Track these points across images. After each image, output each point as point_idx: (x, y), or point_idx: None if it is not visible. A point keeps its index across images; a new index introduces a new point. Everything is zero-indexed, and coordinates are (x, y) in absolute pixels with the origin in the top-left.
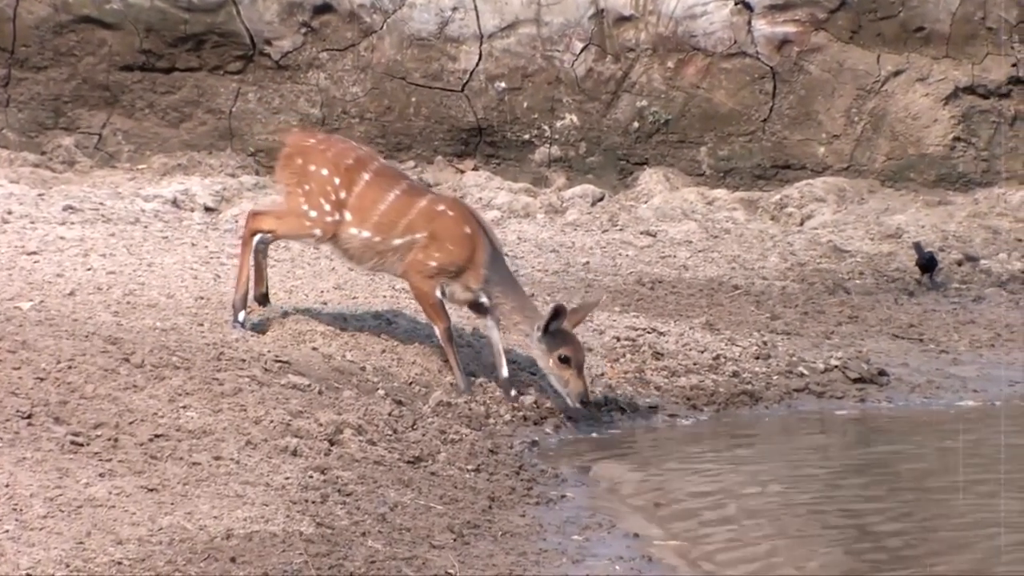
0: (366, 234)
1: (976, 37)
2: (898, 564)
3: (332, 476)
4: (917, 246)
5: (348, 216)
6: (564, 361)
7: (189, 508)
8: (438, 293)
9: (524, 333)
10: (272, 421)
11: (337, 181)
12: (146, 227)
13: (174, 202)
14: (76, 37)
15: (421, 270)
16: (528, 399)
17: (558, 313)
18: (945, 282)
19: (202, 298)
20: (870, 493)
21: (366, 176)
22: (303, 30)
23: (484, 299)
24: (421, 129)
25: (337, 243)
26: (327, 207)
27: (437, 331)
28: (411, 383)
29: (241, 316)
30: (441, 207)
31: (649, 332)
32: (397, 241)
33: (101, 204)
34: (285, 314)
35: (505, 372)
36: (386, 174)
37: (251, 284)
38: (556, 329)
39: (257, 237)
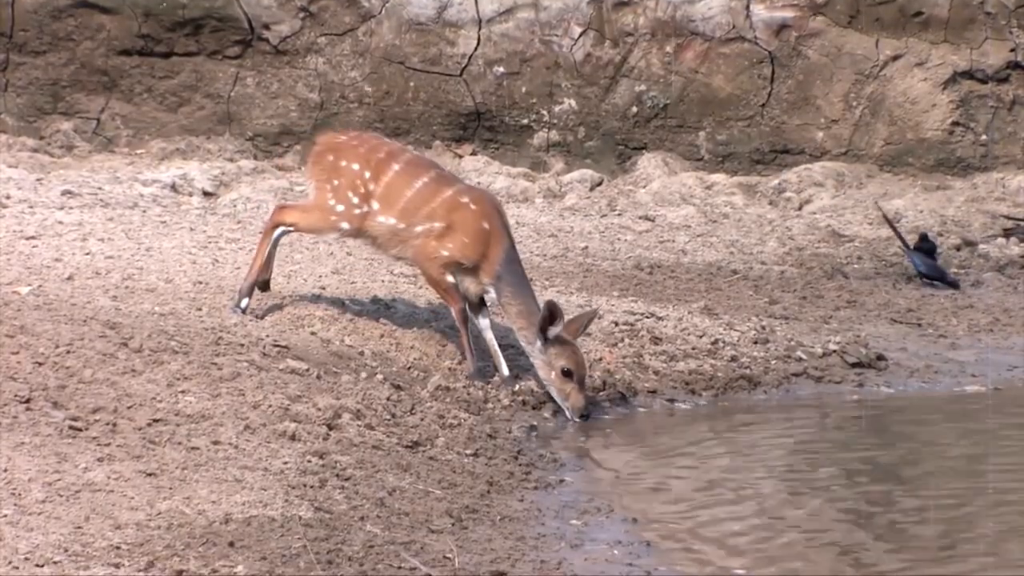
0: (392, 220)
1: (974, 22)
2: (900, 556)
3: (330, 461)
4: (923, 237)
5: (376, 205)
6: (566, 374)
7: (187, 493)
8: (450, 278)
9: (527, 340)
10: (270, 406)
11: (367, 175)
12: (144, 212)
13: (172, 187)
14: (74, 22)
15: (433, 257)
16: (527, 384)
17: (553, 314)
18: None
19: (200, 283)
20: (872, 480)
21: (396, 166)
22: (301, 14)
23: (492, 294)
24: (419, 114)
25: (364, 233)
26: (355, 200)
27: (452, 312)
28: (409, 368)
29: (244, 303)
30: (465, 199)
31: (647, 317)
32: (418, 228)
33: (99, 189)
34: (284, 299)
35: (506, 371)
36: (417, 163)
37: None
38: (559, 339)
39: (279, 230)
